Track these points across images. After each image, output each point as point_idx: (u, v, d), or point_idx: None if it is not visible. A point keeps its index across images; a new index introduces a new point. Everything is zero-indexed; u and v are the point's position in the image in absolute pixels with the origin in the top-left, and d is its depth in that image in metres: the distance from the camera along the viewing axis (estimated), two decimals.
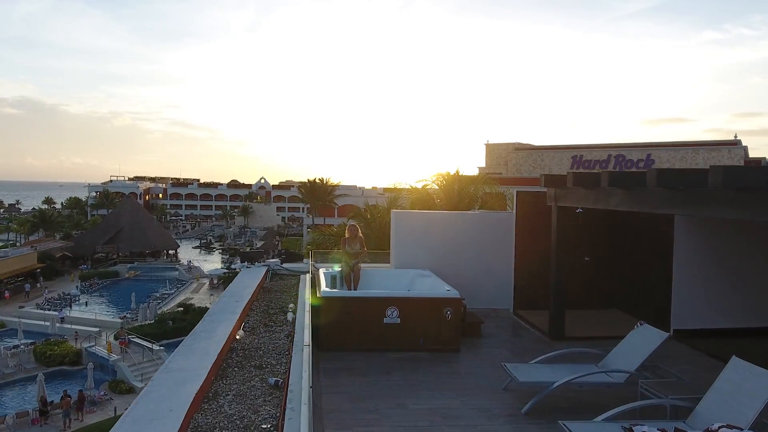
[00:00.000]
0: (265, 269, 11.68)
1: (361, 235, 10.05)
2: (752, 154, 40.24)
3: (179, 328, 31.67)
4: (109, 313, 42.39)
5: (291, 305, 8.81)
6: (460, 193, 21.95)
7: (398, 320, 8.00)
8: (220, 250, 79.05)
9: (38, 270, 50.56)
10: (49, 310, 39.94)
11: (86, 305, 44.09)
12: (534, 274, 10.19)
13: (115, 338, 31.43)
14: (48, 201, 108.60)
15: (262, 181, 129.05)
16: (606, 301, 10.86)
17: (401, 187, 25.96)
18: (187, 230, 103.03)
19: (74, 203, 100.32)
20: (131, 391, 26.04)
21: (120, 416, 4.43)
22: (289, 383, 5.27)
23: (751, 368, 5.12)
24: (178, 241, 76.17)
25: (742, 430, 4.46)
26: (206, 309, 29.22)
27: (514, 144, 48.31)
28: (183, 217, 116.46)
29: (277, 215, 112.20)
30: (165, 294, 46.12)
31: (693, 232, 9.17)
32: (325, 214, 79.93)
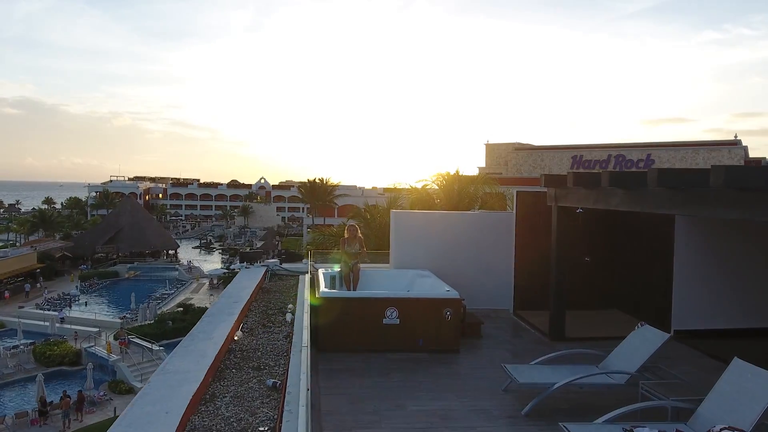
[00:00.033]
0: (264, 270, 11.64)
1: (360, 235, 10.00)
2: (752, 154, 40.24)
3: (179, 329, 31.61)
4: (108, 313, 42.34)
5: (290, 306, 8.76)
6: (460, 193, 21.90)
7: (398, 321, 7.96)
8: (220, 251, 78.98)
9: (38, 270, 50.51)
10: (48, 310, 39.89)
11: (86, 305, 44.04)
12: (534, 275, 10.15)
13: (115, 338, 31.39)
14: (48, 201, 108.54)
15: (262, 181, 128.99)
16: (606, 301, 10.82)
17: (401, 187, 25.92)
18: (187, 230, 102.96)
19: (74, 203, 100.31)
20: (131, 391, 25.99)
21: (116, 418, 4.39)
22: (287, 385, 5.23)
23: (753, 369, 5.08)
24: (178, 241, 76.11)
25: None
26: (206, 309, 29.19)
27: (514, 144, 48.25)
28: (183, 217, 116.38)
29: (277, 215, 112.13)
30: (165, 294, 46.07)
31: (693, 232, 9.12)
32: (325, 214, 79.89)
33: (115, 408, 24.42)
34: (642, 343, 6.68)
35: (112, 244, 61.57)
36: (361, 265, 9.66)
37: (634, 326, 7.25)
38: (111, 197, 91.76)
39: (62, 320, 36.33)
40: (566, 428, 4.89)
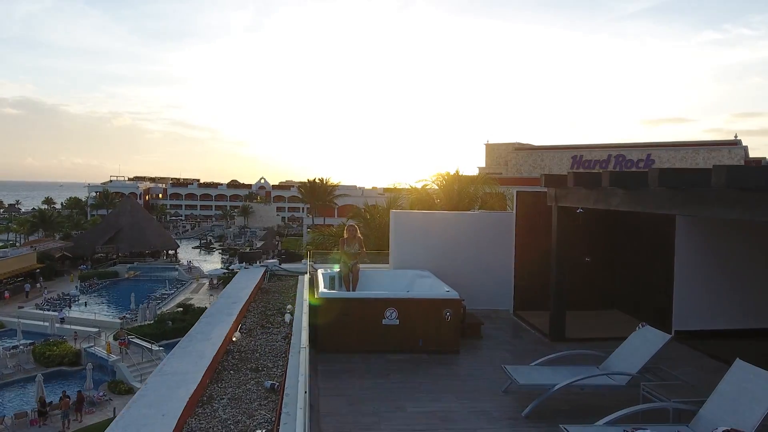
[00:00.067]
0: (263, 270, 11.59)
1: (360, 235, 9.96)
2: (752, 154, 40.23)
3: (179, 329, 31.55)
4: (108, 313, 42.31)
5: (289, 306, 8.72)
6: (459, 193, 21.87)
7: (397, 321, 7.92)
8: (220, 251, 78.94)
9: (38, 270, 50.48)
10: (48, 310, 39.85)
11: (85, 305, 44.01)
12: (534, 275, 10.10)
13: (115, 338, 31.35)
14: (48, 201, 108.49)
15: (262, 181, 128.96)
16: (607, 301, 10.78)
17: (401, 187, 25.88)
18: (187, 230, 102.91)
19: (74, 203, 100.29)
20: (130, 391, 25.95)
21: (112, 420, 4.34)
22: (286, 387, 5.18)
23: (756, 371, 5.04)
24: (178, 242, 76.08)
25: None
26: (206, 309, 29.14)
27: (514, 144, 48.21)
28: (183, 217, 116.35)
29: (277, 215, 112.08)
30: (164, 294, 46.01)
31: (694, 232, 9.08)
32: (325, 214, 79.87)
33: (114, 408, 24.38)
34: (643, 344, 6.64)
35: (111, 244, 61.53)
36: (361, 266, 9.62)
37: (634, 327, 7.21)
38: (111, 197, 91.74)
39: (62, 320, 36.29)
40: (567, 430, 4.85)
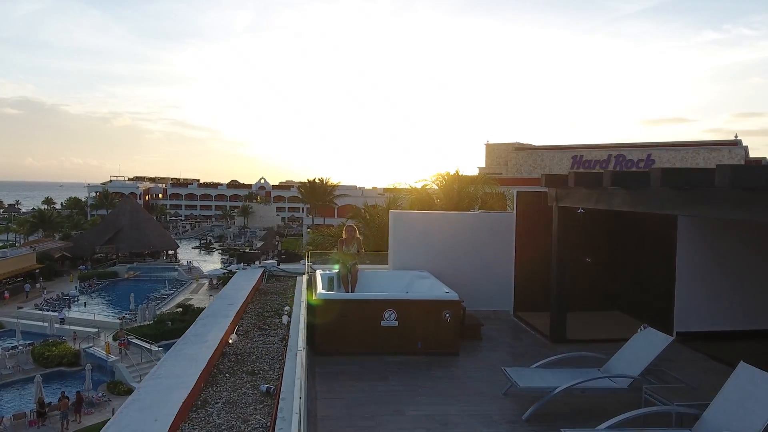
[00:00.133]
0: (261, 271, 11.50)
1: (359, 236, 9.88)
2: (752, 154, 40.15)
3: (178, 329, 31.44)
4: (107, 314, 42.24)
5: (287, 308, 8.63)
6: (459, 194, 21.77)
7: (396, 323, 7.84)
8: (220, 251, 78.88)
9: (37, 270, 50.44)
10: (47, 310, 39.79)
11: (85, 306, 43.95)
12: (535, 276, 10.02)
13: (114, 339, 31.30)
14: (48, 201, 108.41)
15: (262, 181, 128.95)
16: (608, 302, 10.70)
17: (401, 187, 25.79)
18: (187, 230, 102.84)
19: (74, 203, 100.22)
20: (129, 392, 25.84)
21: (103, 426, 4.25)
22: (282, 390, 5.09)
23: (760, 374, 4.95)
24: (178, 242, 76.03)
25: None
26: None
27: (514, 144, 48.13)
28: (183, 218, 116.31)
29: (277, 215, 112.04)
30: (164, 294, 45.96)
31: (696, 232, 8.99)
32: (325, 214, 79.77)
33: (113, 409, 24.30)
34: (645, 346, 6.56)
35: (111, 245, 61.48)
36: (360, 266, 9.54)
37: (635, 328, 7.14)
38: (111, 197, 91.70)
39: (62, 321, 36.22)
40: None
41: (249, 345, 7.02)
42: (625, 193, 7.17)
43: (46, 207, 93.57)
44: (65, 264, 57.19)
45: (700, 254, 8.98)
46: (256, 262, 12.72)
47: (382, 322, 7.80)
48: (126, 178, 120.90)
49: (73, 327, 34.57)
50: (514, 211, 10.63)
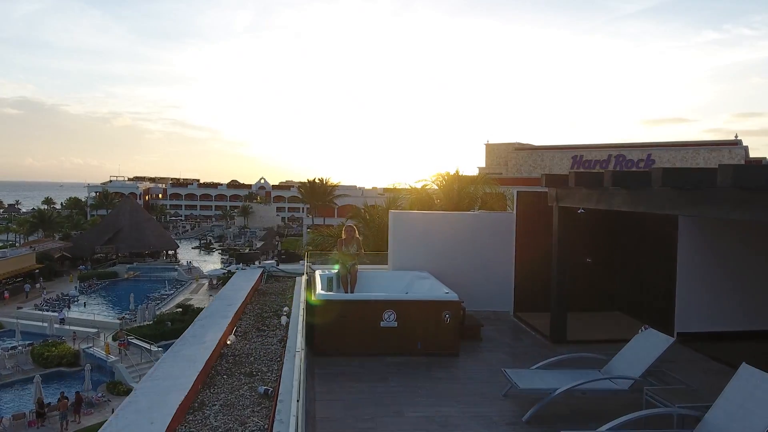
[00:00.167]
0: (260, 271, 11.46)
1: (358, 236, 9.84)
2: (752, 154, 40.10)
3: (178, 329, 31.38)
4: (107, 314, 42.19)
5: (285, 308, 8.59)
6: (459, 194, 21.73)
7: (395, 324, 7.79)
8: (220, 251, 78.83)
9: (37, 271, 50.39)
10: (47, 311, 39.74)
11: (85, 306, 43.91)
12: (535, 276, 9.98)
13: (114, 339, 31.25)
14: (48, 201, 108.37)
15: (262, 181, 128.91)
16: (608, 303, 10.65)
17: (401, 187, 25.74)
18: (187, 230, 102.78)
19: (74, 203, 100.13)
20: (129, 392, 25.83)
21: (99, 428, 4.21)
22: (280, 392, 5.05)
23: (763, 376, 4.90)
24: (178, 242, 75.97)
25: None
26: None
27: (514, 144, 48.08)
28: (183, 218, 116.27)
29: (277, 215, 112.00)
30: (164, 295, 45.92)
31: (697, 233, 8.95)
32: (325, 214, 79.73)
33: (113, 409, 24.24)
34: (646, 347, 6.52)
35: (111, 245, 61.45)
36: (359, 267, 9.50)
37: (636, 328, 7.10)
38: (110, 197, 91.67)
39: (62, 321, 36.18)
40: None
41: (247, 346, 6.98)
42: (626, 193, 7.13)
43: (46, 207, 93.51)
44: (65, 264, 57.15)
45: (700, 254, 8.93)
46: (256, 263, 12.68)
47: (381, 322, 7.76)
48: (126, 178, 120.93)
49: (72, 327, 34.53)
50: (514, 211, 10.58)
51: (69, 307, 42.05)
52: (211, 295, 43.71)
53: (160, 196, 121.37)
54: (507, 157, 47.46)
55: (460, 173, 23.15)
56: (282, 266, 12.19)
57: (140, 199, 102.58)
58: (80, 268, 56.81)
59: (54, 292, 46.50)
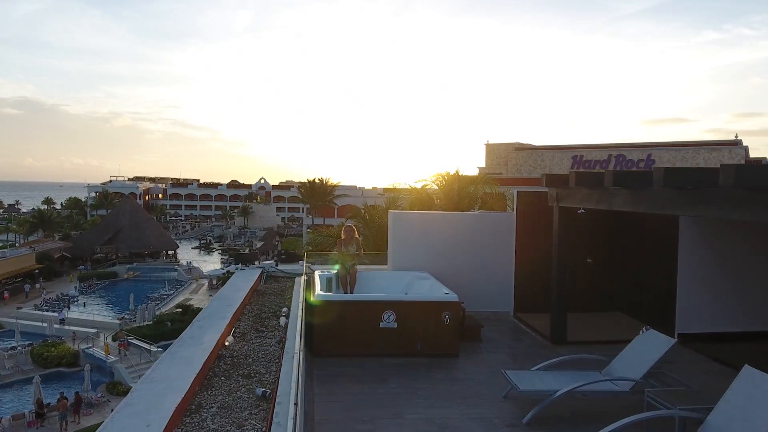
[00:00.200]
0: (259, 271, 11.42)
1: (357, 236, 9.80)
2: (752, 154, 40.05)
3: (178, 330, 31.32)
4: (107, 314, 42.15)
5: (284, 309, 8.54)
6: (459, 194, 21.69)
7: (395, 324, 7.75)
8: (220, 251, 78.78)
9: (37, 271, 50.35)
10: (47, 311, 39.69)
11: (84, 306, 43.86)
12: (535, 276, 9.93)
13: (114, 339, 31.20)
14: (47, 201, 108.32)
15: (262, 181, 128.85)
16: (609, 304, 10.61)
17: (400, 187, 25.71)
18: (187, 230, 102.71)
19: (74, 204, 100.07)
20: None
21: (97, 429, 4.17)
22: (278, 394, 5.00)
23: (764, 377, 4.86)
24: (178, 242, 75.91)
25: None
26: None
27: (514, 144, 48.04)
28: (183, 218, 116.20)
29: (277, 215, 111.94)
30: (164, 295, 45.87)
31: (698, 233, 8.91)
32: (325, 214, 79.65)
33: (112, 410, 24.14)
34: (647, 348, 6.47)
35: (111, 245, 61.40)
36: (359, 267, 9.45)
37: (637, 329, 7.06)
38: (110, 197, 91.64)
39: (62, 321, 36.13)
40: None
41: (245, 347, 6.94)
42: (627, 193, 7.09)
43: (45, 207, 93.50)
44: (65, 264, 57.11)
45: (701, 255, 8.89)
46: (255, 263, 12.64)
47: (381, 323, 7.72)
48: (126, 178, 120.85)
49: (72, 327, 34.49)
50: (514, 211, 10.54)
51: (69, 308, 42.00)
52: (210, 295, 43.65)
53: (160, 196, 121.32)
54: (507, 157, 47.42)
55: (460, 173, 23.12)
56: (281, 266, 12.15)
57: (140, 199, 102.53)
58: (80, 269, 56.76)
59: (54, 293, 46.46)
